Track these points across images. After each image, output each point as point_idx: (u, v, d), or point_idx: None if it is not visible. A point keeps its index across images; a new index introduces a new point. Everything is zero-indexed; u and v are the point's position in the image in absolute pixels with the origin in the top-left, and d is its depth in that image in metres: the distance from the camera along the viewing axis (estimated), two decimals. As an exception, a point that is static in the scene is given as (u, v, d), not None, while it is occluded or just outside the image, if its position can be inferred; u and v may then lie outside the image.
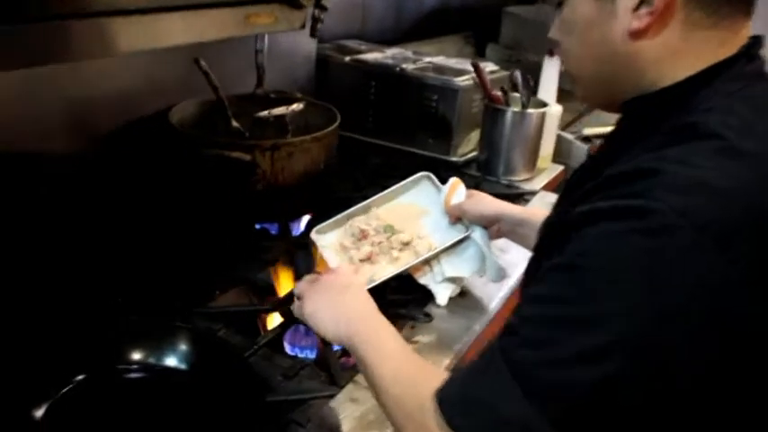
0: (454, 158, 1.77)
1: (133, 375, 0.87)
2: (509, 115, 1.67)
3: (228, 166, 1.23)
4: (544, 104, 1.75)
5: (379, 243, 1.11)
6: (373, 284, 1.03)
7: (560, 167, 1.90)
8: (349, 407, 0.89)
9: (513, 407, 0.55)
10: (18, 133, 1.10)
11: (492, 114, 1.70)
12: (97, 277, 1.09)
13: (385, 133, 1.82)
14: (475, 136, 1.81)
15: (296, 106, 1.43)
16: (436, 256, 1.10)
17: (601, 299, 0.55)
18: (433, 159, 1.74)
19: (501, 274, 1.11)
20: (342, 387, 0.93)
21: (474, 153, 1.80)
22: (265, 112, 1.39)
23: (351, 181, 1.60)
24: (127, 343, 0.88)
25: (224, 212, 1.29)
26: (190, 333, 0.90)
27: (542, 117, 1.71)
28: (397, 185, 1.19)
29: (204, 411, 0.83)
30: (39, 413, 0.78)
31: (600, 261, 0.56)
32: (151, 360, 0.88)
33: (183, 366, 0.88)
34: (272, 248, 1.29)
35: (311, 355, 1.10)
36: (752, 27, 0.68)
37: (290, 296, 1.10)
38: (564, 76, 2.00)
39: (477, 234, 1.09)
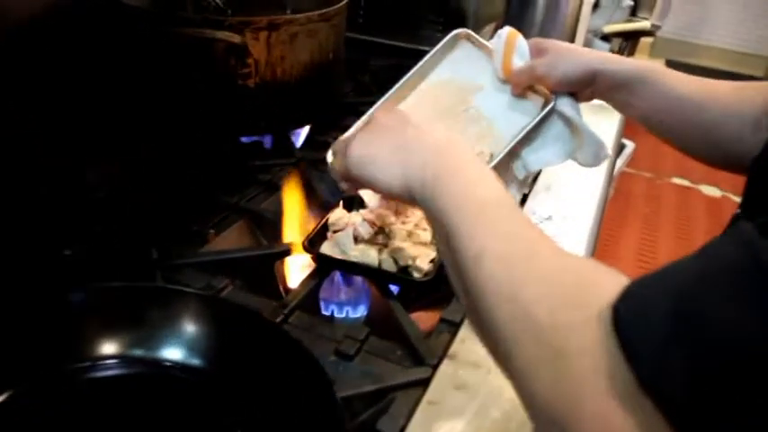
0: (471, 56, 1.44)
1: (110, 374, 0.51)
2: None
3: (207, 55, 0.87)
4: (578, -13, 1.43)
5: None
6: None
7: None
8: (456, 399, 0.57)
9: None
10: None
11: (521, -1, 1.38)
12: (30, 218, 0.73)
13: (380, 30, 1.51)
14: (490, 30, 1.49)
15: (281, -23, 1.07)
16: (512, 150, 0.72)
17: None
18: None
19: (601, 154, 0.73)
20: (434, 367, 0.61)
21: (492, 50, 1.48)
22: (243, -14, 1.02)
23: (354, 84, 1.25)
24: (95, 327, 0.52)
25: (203, 120, 0.93)
26: (200, 301, 0.54)
27: (580, 2, 1.40)
28: (425, 58, 0.81)
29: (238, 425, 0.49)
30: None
31: None
32: (137, 353, 0.52)
33: (194, 361, 0.53)
34: (273, 167, 0.95)
35: (355, 313, 0.77)
36: None
37: (322, 230, 0.77)
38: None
39: (564, 102, 0.71)
